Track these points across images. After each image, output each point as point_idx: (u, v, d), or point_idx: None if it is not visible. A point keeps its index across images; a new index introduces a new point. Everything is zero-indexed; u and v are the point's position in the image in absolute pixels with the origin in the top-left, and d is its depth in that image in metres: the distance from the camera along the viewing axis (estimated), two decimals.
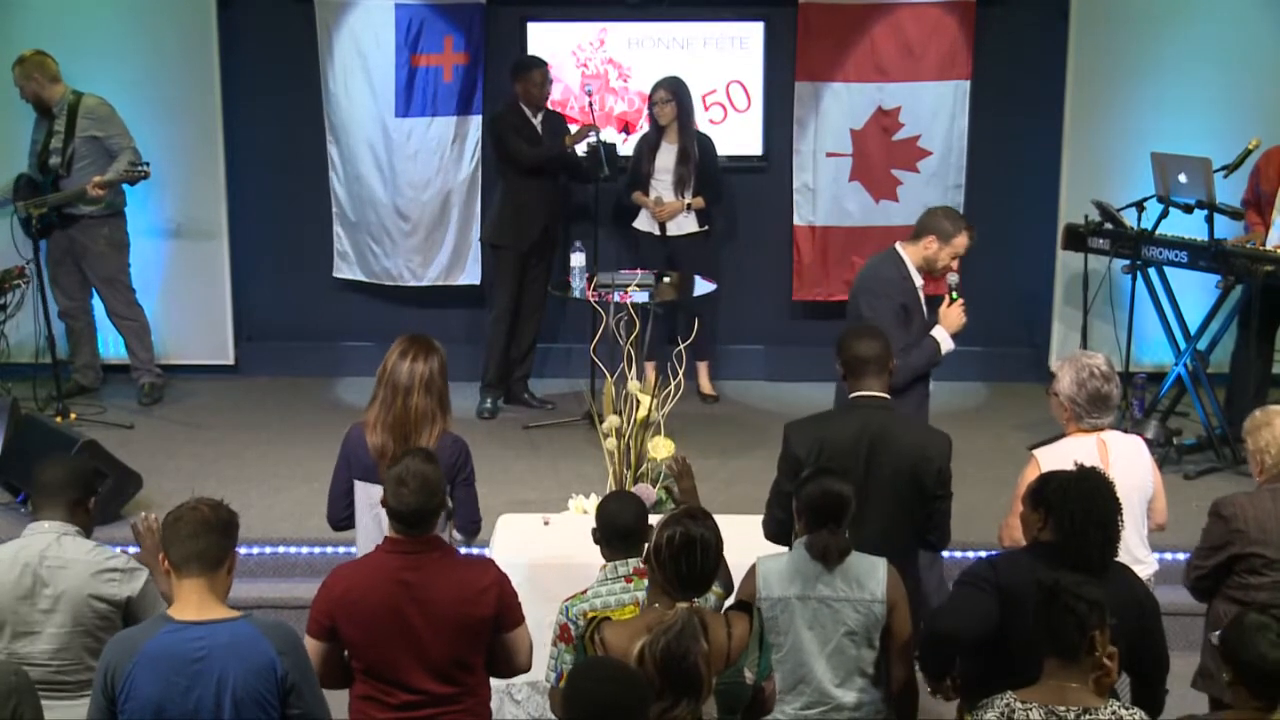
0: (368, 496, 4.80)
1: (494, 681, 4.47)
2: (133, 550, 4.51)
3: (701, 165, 8.23)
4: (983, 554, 6.14)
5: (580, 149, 8.24)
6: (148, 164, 8.01)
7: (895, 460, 4.67)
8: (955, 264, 5.86)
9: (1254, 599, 4.63)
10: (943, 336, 5.79)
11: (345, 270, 8.94)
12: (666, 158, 8.23)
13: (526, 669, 4.25)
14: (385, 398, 4.75)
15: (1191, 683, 4.89)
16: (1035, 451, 4.98)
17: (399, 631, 3.99)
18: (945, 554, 6.42)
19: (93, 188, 7.90)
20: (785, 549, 4.42)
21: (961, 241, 5.84)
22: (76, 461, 4.45)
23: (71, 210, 8.07)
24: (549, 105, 8.36)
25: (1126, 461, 4.88)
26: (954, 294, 5.86)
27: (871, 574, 4.23)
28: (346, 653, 4.09)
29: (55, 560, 4.24)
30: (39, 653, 4.20)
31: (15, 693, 3.65)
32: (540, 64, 8.24)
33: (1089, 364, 4.95)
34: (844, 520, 4.21)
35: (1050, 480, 4.24)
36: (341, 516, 4.92)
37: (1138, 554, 4.87)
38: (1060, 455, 4.77)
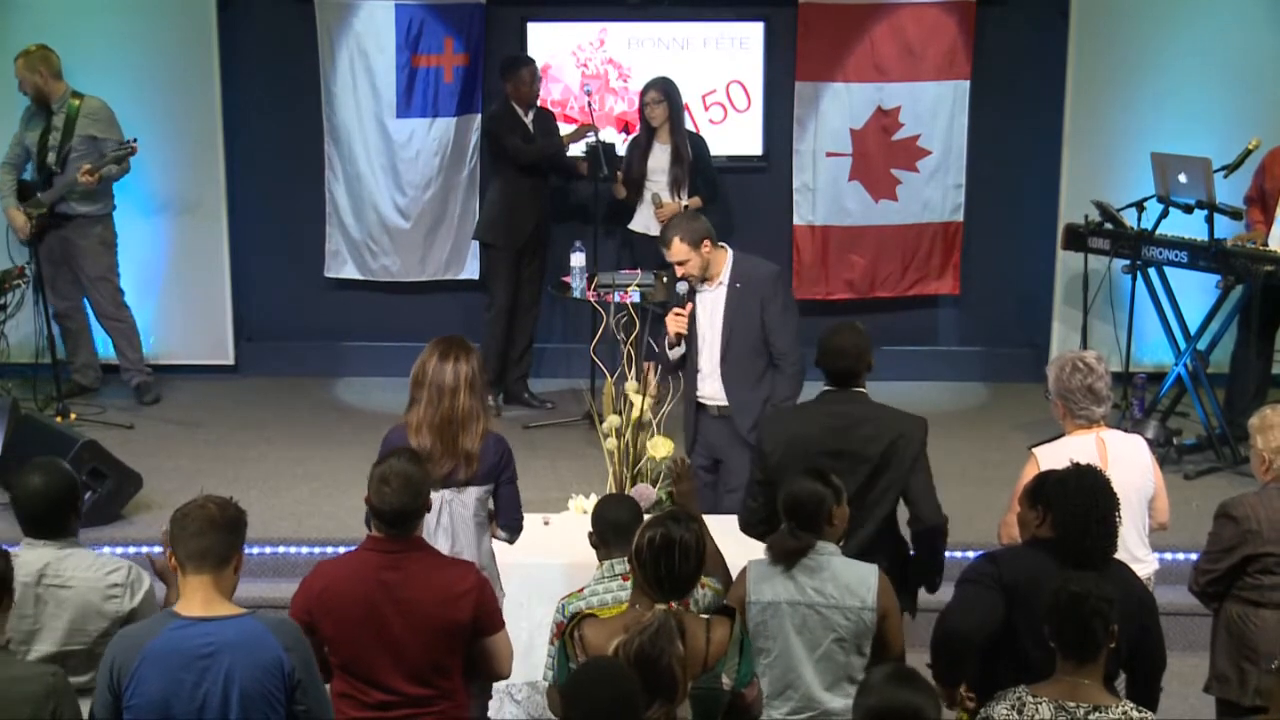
0: None
1: (494, 682, 4.48)
2: (150, 551, 4.44)
3: (695, 164, 8.23)
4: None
5: (579, 149, 8.25)
6: (134, 139, 7.97)
7: (865, 447, 4.64)
8: (678, 270, 5.81)
9: (1269, 599, 4.63)
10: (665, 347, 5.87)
11: (336, 269, 8.93)
12: (660, 158, 8.22)
13: (507, 675, 4.23)
14: (430, 399, 4.70)
15: (1205, 687, 4.86)
16: (1034, 450, 4.98)
17: (375, 631, 3.98)
18: (946, 554, 6.44)
19: (83, 174, 7.87)
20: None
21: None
22: (55, 475, 4.27)
23: (65, 210, 8.06)
24: (541, 104, 8.37)
25: (1125, 460, 4.88)
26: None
27: (862, 581, 4.20)
28: (326, 649, 4.07)
29: (56, 579, 4.17)
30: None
31: (54, 694, 3.64)
32: (528, 62, 8.25)
33: (1071, 358, 4.99)
34: (812, 522, 4.19)
35: (1048, 478, 4.25)
36: None
37: (1137, 553, 4.87)
38: (1059, 453, 4.77)
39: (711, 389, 5.89)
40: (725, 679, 3.82)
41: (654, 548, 3.82)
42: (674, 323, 5.80)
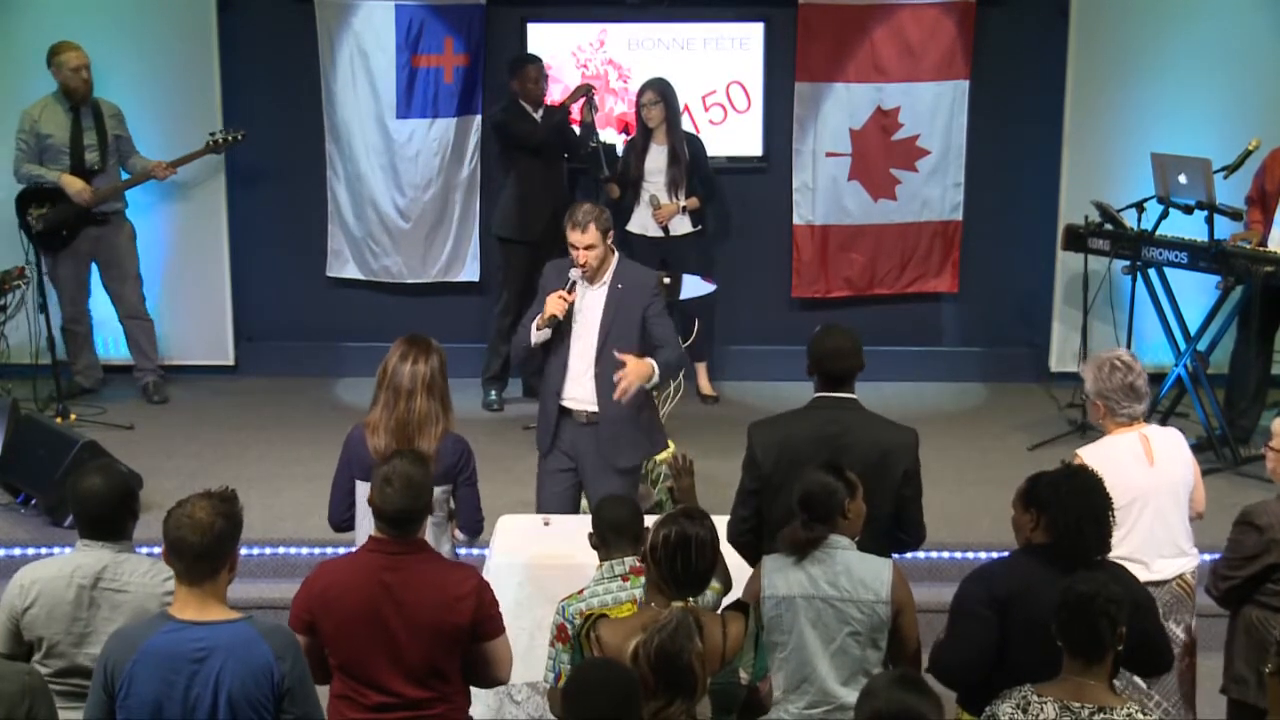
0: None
1: (491, 688, 4.47)
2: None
3: (693, 165, 8.23)
4: (983, 554, 6.15)
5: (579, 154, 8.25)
6: (242, 131, 8.22)
7: (858, 459, 4.52)
8: (579, 256, 5.59)
9: None
10: (531, 327, 5.67)
11: (338, 268, 8.94)
12: (657, 159, 8.22)
13: (505, 681, 4.23)
14: (387, 400, 4.75)
15: (1221, 688, 4.84)
16: (1079, 451, 4.87)
17: (375, 631, 3.98)
18: (946, 554, 6.46)
19: (165, 168, 8.09)
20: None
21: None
22: (114, 477, 4.25)
23: (104, 208, 8.14)
24: (553, 104, 8.37)
25: (1170, 454, 4.84)
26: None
27: (876, 576, 4.21)
28: (326, 649, 4.07)
29: (113, 583, 4.14)
30: (75, 668, 4.13)
31: (29, 693, 3.65)
32: (534, 59, 8.26)
33: (1109, 357, 4.93)
34: (824, 514, 4.19)
35: (1039, 481, 4.24)
36: (344, 518, 4.93)
37: (1185, 547, 4.84)
38: (1104, 453, 4.73)
39: (582, 392, 5.68)
40: (742, 673, 3.84)
41: (670, 545, 3.84)
42: (554, 303, 5.54)
